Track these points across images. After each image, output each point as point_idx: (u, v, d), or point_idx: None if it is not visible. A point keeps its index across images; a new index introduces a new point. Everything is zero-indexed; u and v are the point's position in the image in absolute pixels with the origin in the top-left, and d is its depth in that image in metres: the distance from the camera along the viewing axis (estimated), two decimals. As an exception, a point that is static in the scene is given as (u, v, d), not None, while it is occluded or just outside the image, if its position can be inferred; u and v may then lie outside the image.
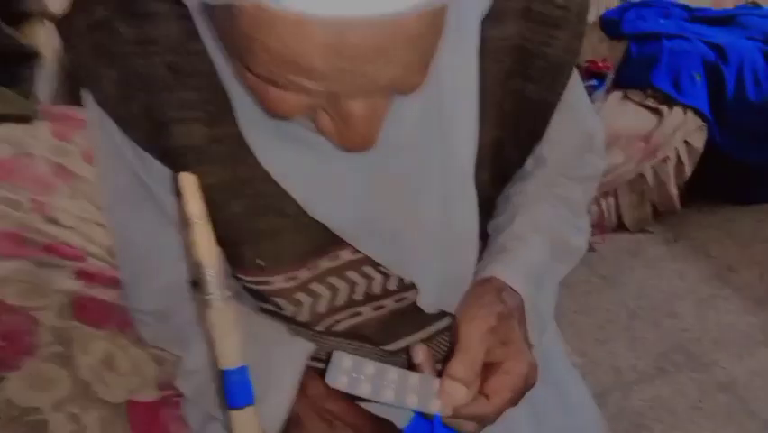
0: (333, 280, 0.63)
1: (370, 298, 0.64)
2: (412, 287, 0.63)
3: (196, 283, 0.51)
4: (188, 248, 0.44)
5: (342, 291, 0.64)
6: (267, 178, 0.55)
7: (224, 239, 0.59)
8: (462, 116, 0.55)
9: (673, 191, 2.20)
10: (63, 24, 0.55)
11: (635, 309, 1.87)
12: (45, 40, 1.35)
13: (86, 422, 0.72)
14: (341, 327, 0.65)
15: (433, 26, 0.37)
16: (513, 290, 0.57)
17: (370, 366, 0.52)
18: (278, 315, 0.65)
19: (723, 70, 2.11)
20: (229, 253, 0.61)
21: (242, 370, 0.45)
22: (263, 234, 0.58)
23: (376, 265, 0.62)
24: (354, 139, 0.43)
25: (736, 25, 2.30)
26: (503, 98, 0.57)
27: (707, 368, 1.67)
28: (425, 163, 0.56)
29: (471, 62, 0.55)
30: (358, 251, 0.61)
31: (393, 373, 0.52)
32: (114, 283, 0.91)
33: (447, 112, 0.54)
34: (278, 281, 0.62)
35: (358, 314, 0.64)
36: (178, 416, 0.78)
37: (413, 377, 0.52)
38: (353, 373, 0.51)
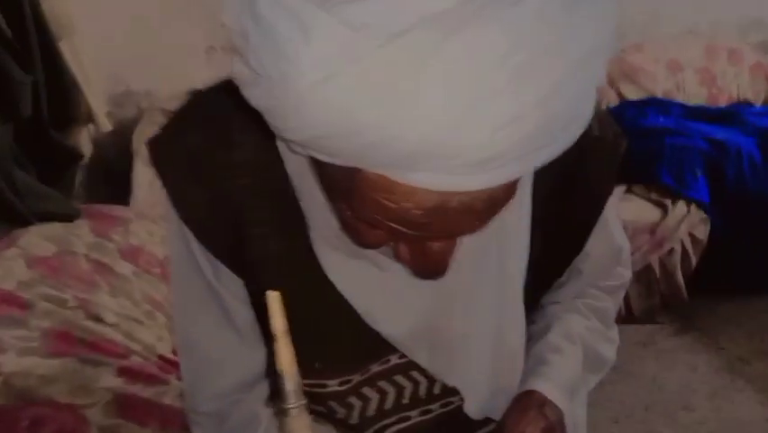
0: (382, 383, 0.67)
1: (417, 402, 0.67)
2: (457, 391, 0.67)
3: (276, 392, 0.55)
4: (272, 359, 0.48)
5: (390, 395, 0.67)
6: (332, 288, 0.60)
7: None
8: (517, 235, 0.61)
9: (680, 282, 2.25)
10: (156, 146, 0.62)
11: (649, 403, 1.87)
12: (86, 142, 1.43)
13: None
14: (390, 431, 0.67)
15: (511, 189, 0.43)
16: (554, 403, 0.61)
17: None
18: (330, 418, 0.68)
19: (723, 164, 2.21)
20: None
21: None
22: (323, 338, 0.62)
23: (422, 370, 0.66)
24: (430, 269, 0.48)
25: (732, 122, 2.42)
26: (548, 218, 0.63)
27: (725, 464, 1.66)
28: (482, 278, 0.61)
29: (526, 186, 0.61)
30: (404, 355, 0.65)
31: None
32: (154, 381, 0.95)
33: (505, 231, 0.60)
34: (332, 385, 0.65)
35: (407, 418, 0.67)
36: None
37: None
38: None
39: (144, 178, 1.76)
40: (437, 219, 0.41)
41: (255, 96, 0.41)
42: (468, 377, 0.64)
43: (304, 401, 0.47)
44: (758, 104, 2.70)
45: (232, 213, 0.60)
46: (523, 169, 0.40)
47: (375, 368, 0.65)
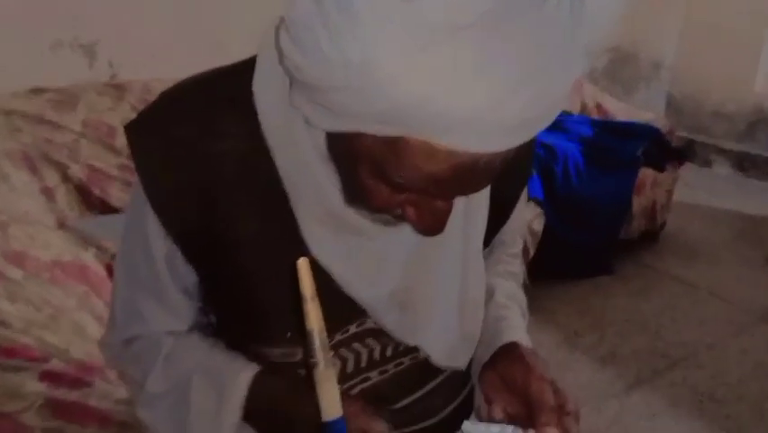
0: (343, 351, 0.74)
1: (373, 364, 0.75)
2: (409, 351, 0.76)
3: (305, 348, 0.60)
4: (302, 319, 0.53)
5: (351, 361, 0.74)
6: (312, 262, 0.65)
7: (262, 313, 0.68)
8: (480, 198, 0.71)
9: (522, 270, 2.53)
10: (135, 132, 0.63)
11: (506, 376, 2.09)
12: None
13: None
14: (355, 391, 0.74)
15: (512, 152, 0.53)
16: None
17: (493, 429, 0.65)
18: None
19: (553, 166, 2.53)
20: (263, 325, 0.70)
21: (341, 421, 0.54)
22: (295, 308, 0.68)
23: (377, 336, 0.74)
24: (434, 226, 0.57)
25: (557, 129, 2.78)
26: (492, 191, 0.74)
27: (573, 421, 1.92)
28: (450, 238, 0.70)
29: None
30: (362, 324, 0.73)
31: (507, 428, 0.65)
32: (78, 384, 0.92)
33: (471, 201, 0.70)
34: (299, 353, 0.71)
35: (367, 379, 0.75)
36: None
37: (517, 430, 0.64)
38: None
39: (19, 181, 1.63)
40: (464, 178, 0.50)
41: (321, 77, 0.47)
42: (432, 333, 0.73)
43: (330, 355, 0.53)
44: (576, 113, 3.12)
45: (209, 198, 0.64)
46: (534, 133, 0.50)
47: (337, 337, 0.72)
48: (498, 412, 0.68)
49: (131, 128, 0.65)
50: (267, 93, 0.62)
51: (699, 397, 2.03)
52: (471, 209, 0.71)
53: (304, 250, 0.65)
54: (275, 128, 0.62)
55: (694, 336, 2.35)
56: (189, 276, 0.71)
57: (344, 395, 0.57)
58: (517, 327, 0.76)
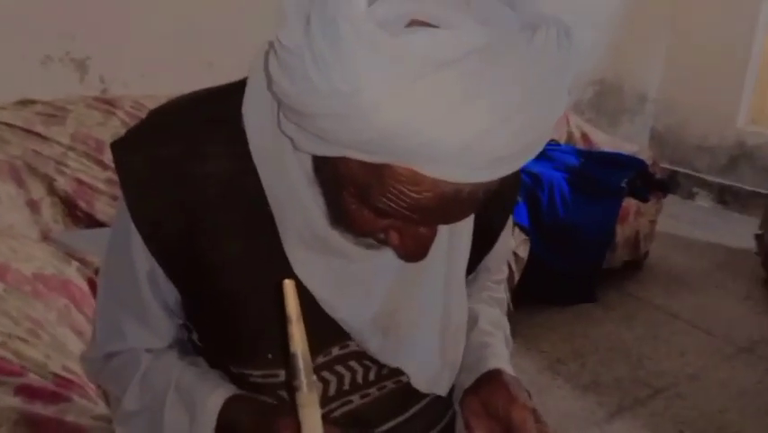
0: (325, 373, 0.73)
1: (356, 387, 0.75)
2: (392, 375, 0.76)
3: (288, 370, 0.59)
4: (286, 341, 0.53)
5: (333, 384, 0.74)
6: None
7: (244, 333, 0.68)
8: (464, 232, 0.72)
9: (506, 295, 2.54)
10: (121, 150, 0.64)
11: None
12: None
13: None
14: (337, 414, 0.74)
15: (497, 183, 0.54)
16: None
17: None
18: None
19: (539, 194, 2.56)
20: (244, 346, 0.69)
21: (323, 443, 0.54)
22: (277, 330, 0.68)
23: (359, 359, 0.74)
24: (417, 252, 0.57)
25: (544, 158, 2.81)
26: (476, 218, 0.75)
27: (554, 449, 1.91)
28: (434, 267, 0.70)
29: None
30: (345, 346, 0.73)
31: None
32: (56, 399, 0.91)
33: (456, 228, 0.70)
34: (282, 375, 0.71)
35: (349, 402, 0.75)
36: None
37: None
38: None
39: (5, 194, 1.62)
40: (447, 206, 0.51)
41: (308, 103, 0.48)
42: (415, 358, 0.73)
43: (314, 378, 0.53)
44: (562, 142, 3.16)
45: (193, 219, 0.64)
46: (520, 164, 0.51)
47: (320, 360, 0.72)
48: None
49: (117, 146, 0.65)
50: (255, 115, 0.63)
51: (680, 427, 2.04)
52: (455, 236, 0.72)
53: (288, 271, 0.65)
54: (263, 150, 0.63)
55: (675, 365, 2.36)
56: (171, 294, 0.71)
57: (325, 421, 0.56)
58: (501, 355, 0.77)
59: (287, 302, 0.53)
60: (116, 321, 0.73)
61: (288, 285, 0.53)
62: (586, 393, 2.17)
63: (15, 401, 0.87)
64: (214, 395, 0.68)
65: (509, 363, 0.77)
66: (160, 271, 0.68)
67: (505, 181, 0.77)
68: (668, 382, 2.27)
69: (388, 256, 0.64)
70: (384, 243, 0.60)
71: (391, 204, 0.51)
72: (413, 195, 0.50)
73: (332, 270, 0.66)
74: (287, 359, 0.70)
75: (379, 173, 0.50)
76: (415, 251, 0.58)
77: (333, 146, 0.50)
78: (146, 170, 0.63)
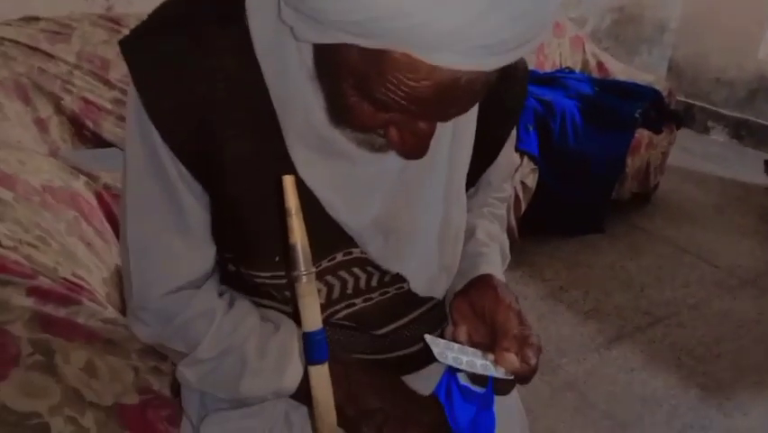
0: (329, 278, 0.75)
1: (359, 292, 0.77)
2: (394, 282, 0.77)
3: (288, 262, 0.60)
4: (285, 233, 0.54)
5: (336, 288, 0.76)
6: (300, 185, 0.66)
7: (252, 234, 0.69)
8: (466, 131, 0.72)
9: (513, 224, 2.55)
10: (130, 47, 0.63)
11: (491, 326, 2.13)
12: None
13: (84, 424, 0.75)
14: (340, 315, 0.76)
15: (493, 78, 0.53)
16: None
17: (454, 346, 0.67)
18: (283, 311, 0.75)
19: (550, 122, 2.52)
20: (252, 248, 0.70)
21: (321, 332, 0.55)
22: (284, 232, 0.69)
23: (362, 266, 0.75)
24: (416, 148, 0.57)
25: (557, 85, 2.76)
26: (479, 127, 0.74)
27: (553, 371, 1.96)
28: (435, 173, 0.71)
29: None
30: (348, 253, 0.74)
31: (467, 349, 0.68)
32: (67, 301, 0.94)
33: (457, 134, 0.70)
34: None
35: (352, 305, 0.77)
36: (162, 416, 0.83)
37: (476, 352, 0.67)
38: (446, 350, 0.66)
39: (12, 111, 1.62)
40: (445, 96, 0.50)
41: None
42: (414, 261, 0.74)
43: (313, 270, 0.54)
44: (577, 70, 3.09)
45: (203, 115, 0.64)
46: (515, 57, 0.50)
47: (324, 264, 0.73)
48: (461, 335, 0.70)
49: (126, 45, 0.64)
50: (259, 9, 0.62)
51: (678, 354, 2.08)
52: (457, 143, 0.72)
53: (292, 172, 0.65)
54: (266, 45, 0.62)
55: (677, 296, 2.39)
56: (203, 194, 0.69)
57: (327, 322, 0.57)
58: (494, 263, 0.78)
59: (286, 196, 0.53)
60: (157, 250, 0.71)
61: (288, 179, 0.53)
62: (587, 320, 2.21)
63: (29, 301, 0.89)
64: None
65: (502, 273, 0.78)
66: (184, 170, 0.67)
67: (509, 91, 0.76)
68: (669, 311, 2.30)
69: (390, 159, 0.64)
70: (385, 147, 0.59)
71: (389, 94, 0.51)
72: (411, 83, 0.49)
73: (335, 172, 0.67)
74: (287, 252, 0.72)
75: (377, 61, 0.49)
76: (414, 147, 0.57)
77: (330, 30, 0.49)
78: (156, 65, 0.63)
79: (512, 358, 0.64)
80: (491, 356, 0.66)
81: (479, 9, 0.45)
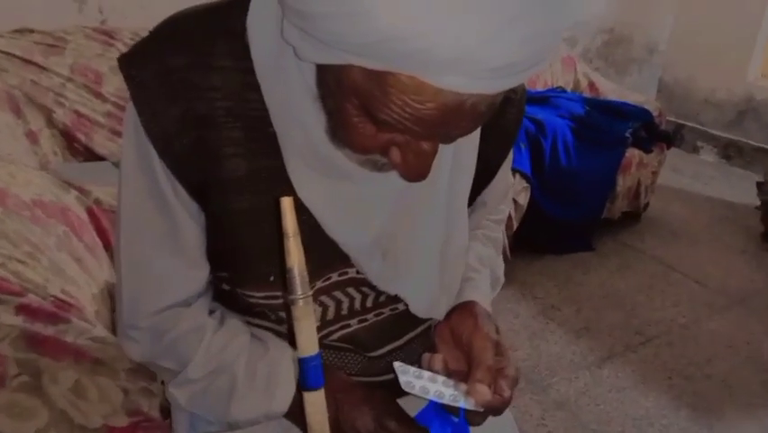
0: (324, 298, 0.74)
1: (354, 313, 0.76)
2: (389, 302, 0.76)
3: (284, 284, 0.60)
4: (283, 256, 0.54)
5: (331, 308, 0.75)
6: (296, 204, 0.65)
7: (247, 254, 0.68)
8: (468, 153, 0.72)
9: (505, 242, 2.55)
10: (130, 63, 0.62)
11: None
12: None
13: (71, 446, 0.73)
14: (335, 337, 0.75)
15: (498, 100, 0.53)
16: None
17: (424, 375, 0.66)
18: (275, 331, 0.75)
19: (542, 141, 2.53)
20: (247, 267, 0.70)
21: (317, 357, 0.54)
22: (279, 252, 0.68)
23: (357, 287, 0.75)
24: (419, 169, 0.57)
25: (549, 105, 2.77)
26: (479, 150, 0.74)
27: (544, 390, 1.96)
28: (436, 193, 0.70)
29: None
30: (344, 273, 0.73)
31: (438, 378, 0.66)
32: (55, 319, 0.92)
33: (459, 153, 0.70)
34: (281, 297, 0.71)
35: (347, 326, 0.76)
36: (151, 438, 0.81)
37: (447, 382, 0.66)
38: (414, 378, 0.65)
39: (2, 123, 1.60)
40: (449, 119, 0.50)
41: (311, 2, 0.47)
42: (412, 282, 0.73)
43: (310, 293, 0.54)
44: (569, 89, 3.11)
45: (201, 134, 0.63)
46: (522, 79, 0.50)
47: (319, 285, 0.72)
48: (437, 363, 0.68)
49: (125, 61, 0.63)
50: (260, 28, 0.61)
51: (669, 373, 2.08)
52: (458, 163, 0.71)
53: (290, 191, 0.65)
54: (266, 64, 0.61)
55: (668, 315, 2.40)
56: (199, 213, 0.69)
57: (322, 343, 0.57)
58: (480, 289, 0.78)
59: (284, 218, 0.52)
60: (150, 269, 0.70)
61: (286, 201, 0.53)
62: (578, 339, 2.21)
63: (17, 320, 0.87)
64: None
65: (488, 299, 0.78)
66: (180, 188, 0.66)
67: (508, 113, 0.77)
68: (659, 330, 2.30)
69: (391, 179, 0.64)
70: (385, 161, 0.59)
71: (393, 115, 0.50)
72: (415, 105, 0.49)
73: (335, 191, 0.66)
74: (285, 276, 0.72)
75: (381, 82, 0.49)
76: (416, 168, 0.57)
77: (335, 51, 0.49)
78: (155, 82, 0.62)
79: (484, 390, 0.63)
80: (464, 387, 0.65)
81: (489, 32, 0.44)
